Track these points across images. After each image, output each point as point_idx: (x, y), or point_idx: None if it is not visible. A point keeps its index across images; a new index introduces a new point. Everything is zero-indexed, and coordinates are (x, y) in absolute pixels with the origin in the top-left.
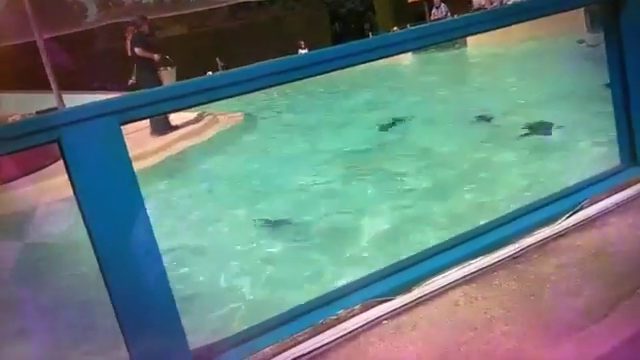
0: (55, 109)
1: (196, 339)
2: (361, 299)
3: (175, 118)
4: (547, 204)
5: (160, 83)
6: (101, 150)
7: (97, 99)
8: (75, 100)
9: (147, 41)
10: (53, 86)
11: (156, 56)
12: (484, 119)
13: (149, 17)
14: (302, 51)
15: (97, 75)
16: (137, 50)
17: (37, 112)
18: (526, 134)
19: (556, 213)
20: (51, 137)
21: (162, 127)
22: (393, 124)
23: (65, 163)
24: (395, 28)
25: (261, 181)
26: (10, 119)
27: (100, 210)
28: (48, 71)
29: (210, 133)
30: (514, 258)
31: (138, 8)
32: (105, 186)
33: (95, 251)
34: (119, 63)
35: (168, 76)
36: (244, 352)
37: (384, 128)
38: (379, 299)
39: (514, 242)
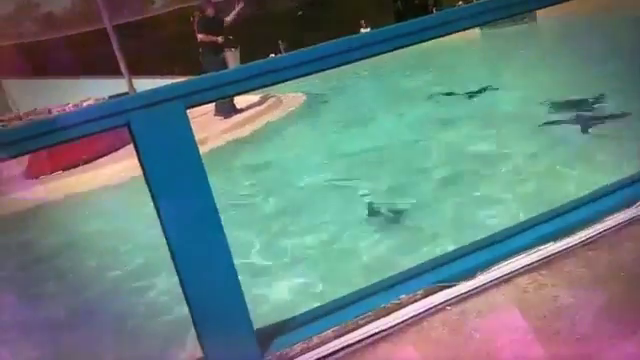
0: (126, 94)
1: None
2: (424, 284)
3: (240, 100)
4: (621, 188)
5: (225, 64)
6: (168, 133)
7: (166, 83)
8: (146, 85)
9: (211, 24)
10: (124, 71)
11: (220, 39)
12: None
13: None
14: (364, 30)
15: (166, 60)
16: (200, 36)
17: (110, 97)
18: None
19: (631, 197)
20: (121, 121)
21: (227, 110)
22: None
23: (135, 146)
24: (460, 3)
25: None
26: (85, 104)
27: (168, 191)
28: (119, 57)
29: (276, 114)
30: (585, 244)
31: None
32: (172, 167)
33: (164, 231)
34: (187, 47)
35: (232, 57)
36: (306, 333)
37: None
38: (442, 284)
39: (585, 228)
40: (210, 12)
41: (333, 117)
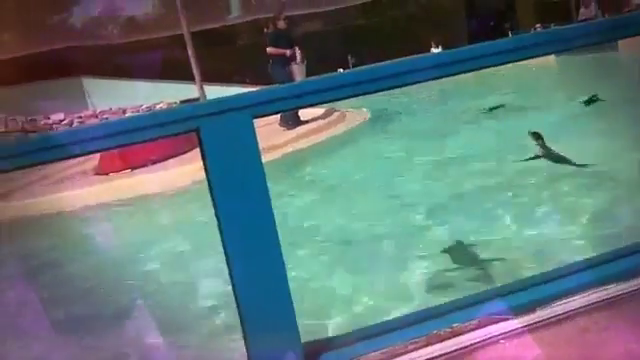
0: (197, 99)
1: None
2: (480, 314)
3: (304, 112)
4: None
5: (292, 77)
6: (234, 141)
7: (236, 92)
8: (216, 91)
9: (281, 37)
10: (197, 78)
11: (288, 52)
12: None
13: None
14: (435, 50)
15: (238, 68)
16: (269, 48)
17: (181, 101)
18: None
19: None
20: (191, 126)
21: (292, 121)
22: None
23: (201, 151)
24: (538, 27)
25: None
26: (158, 107)
27: (229, 197)
28: (193, 63)
29: (339, 129)
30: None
31: (278, 5)
32: (235, 175)
33: (221, 235)
34: (259, 57)
35: (298, 70)
36: (354, 352)
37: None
38: (498, 316)
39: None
40: (281, 25)
41: (396, 136)
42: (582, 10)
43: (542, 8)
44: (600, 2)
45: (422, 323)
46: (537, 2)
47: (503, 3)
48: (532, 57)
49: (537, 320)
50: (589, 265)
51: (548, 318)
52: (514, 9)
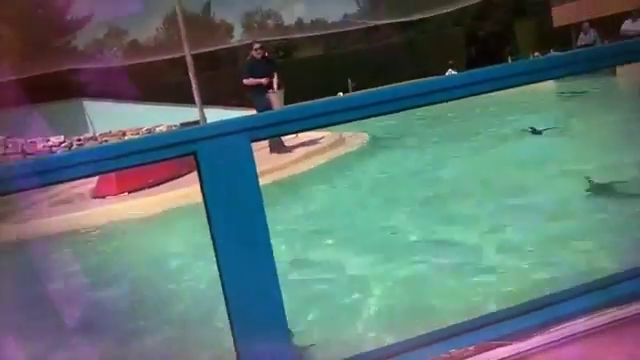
0: (197, 122)
1: None
2: (477, 340)
3: (303, 135)
4: None
5: (269, 104)
6: (232, 165)
7: (234, 114)
8: (215, 113)
9: (256, 66)
10: (197, 101)
11: (264, 80)
12: None
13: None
14: (450, 72)
15: (236, 91)
16: (244, 80)
17: (181, 124)
18: None
19: None
20: (189, 150)
21: (279, 147)
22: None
23: (199, 174)
24: (537, 54)
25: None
26: (158, 129)
27: (226, 221)
28: (194, 86)
29: (334, 154)
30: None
31: (280, 29)
32: (232, 199)
33: (217, 258)
34: None
35: (275, 98)
36: None
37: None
38: (495, 342)
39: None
40: (256, 54)
41: (391, 163)
42: (581, 36)
43: (541, 34)
44: (599, 29)
45: (418, 349)
46: (536, 29)
47: (502, 29)
48: (532, 83)
49: (534, 345)
50: (585, 290)
51: (545, 344)
52: (514, 34)
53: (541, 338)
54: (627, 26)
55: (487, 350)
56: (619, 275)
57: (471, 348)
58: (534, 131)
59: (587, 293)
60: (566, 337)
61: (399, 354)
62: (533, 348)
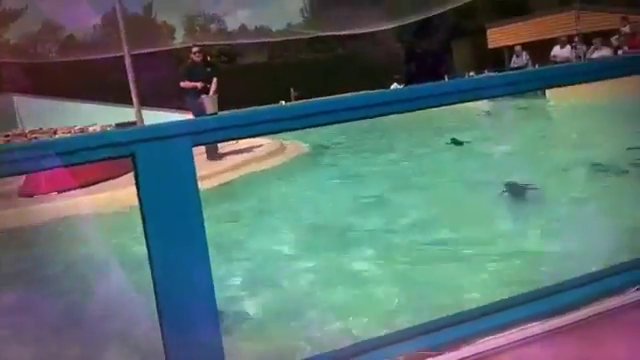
0: (134, 123)
1: None
2: (405, 350)
3: (244, 142)
4: (619, 272)
5: (202, 108)
6: (171, 169)
7: (172, 117)
8: (151, 115)
9: (195, 70)
10: (135, 102)
11: (199, 84)
12: None
13: (234, 42)
14: (394, 86)
15: (175, 94)
16: (181, 83)
17: (117, 124)
18: None
19: (627, 282)
20: (127, 151)
21: (214, 154)
22: None
23: (135, 177)
24: (472, 73)
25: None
26: (91, 129)
27: (162, 226)
28: (132, 86)
29: (271, 162)
30: (579, 326)
31: (222, 34)
32: (170, 203)
33: (150, 262)
34: None
35: (208, 102)
36: None
37: None
38: (424, 352)
39: (579, 308)
40: (195, 58)
41: (325, 173)
42: (514, 59)
43: (476, 55)
44: (530, 53)
45: (393, 345)
46: (472, 49)
47: (440, 48)
48: (467, 101)
49: (463, 356)
50: (515, 303)
51: (473, 354)
52: (451, 54)
53: (469, 349)
54: (556, 51)
55: None
56: (549, 288)
57: (399, 358)
58: (456, 142)
59: (517, 306)
60: (496, 347)
61: (369, 351)
62: (462, 358)
